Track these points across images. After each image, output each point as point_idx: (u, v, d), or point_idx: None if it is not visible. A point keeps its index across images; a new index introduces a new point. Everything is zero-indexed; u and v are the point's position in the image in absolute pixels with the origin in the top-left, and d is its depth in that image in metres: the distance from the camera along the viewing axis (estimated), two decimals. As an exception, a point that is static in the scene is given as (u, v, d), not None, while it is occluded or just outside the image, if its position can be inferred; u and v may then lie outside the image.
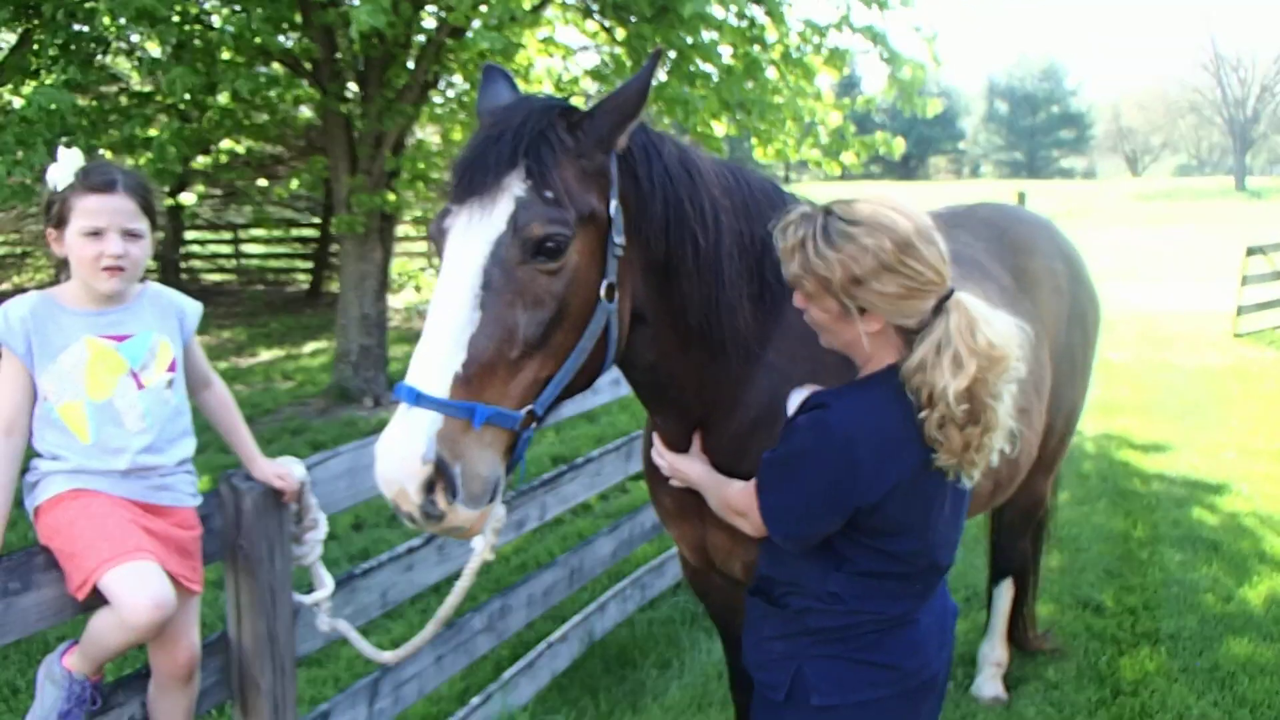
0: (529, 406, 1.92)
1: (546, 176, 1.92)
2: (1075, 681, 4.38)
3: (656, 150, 2.16)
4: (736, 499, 2.23)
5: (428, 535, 3.32)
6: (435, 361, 1.84)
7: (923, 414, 1.93)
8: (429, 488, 1.79)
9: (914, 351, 1.95)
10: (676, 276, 2.20)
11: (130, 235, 2.45)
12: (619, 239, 2.03)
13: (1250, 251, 14.67)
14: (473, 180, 1.92)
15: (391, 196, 9.46)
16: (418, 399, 1.80)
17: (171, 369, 2.59)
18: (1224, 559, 5.78)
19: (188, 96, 8.03)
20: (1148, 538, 6.14)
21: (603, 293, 2.00)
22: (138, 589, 2.28)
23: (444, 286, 1.90)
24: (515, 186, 1.91)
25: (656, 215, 2.13)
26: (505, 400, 1.88)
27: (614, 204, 2.03)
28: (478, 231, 1.90)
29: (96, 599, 2.33)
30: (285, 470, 2.70)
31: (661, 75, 8.88)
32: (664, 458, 2.48)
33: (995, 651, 4.30)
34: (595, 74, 10.42)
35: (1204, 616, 5.00)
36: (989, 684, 4.26)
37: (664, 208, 2.14)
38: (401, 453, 1.79)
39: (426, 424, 1.79)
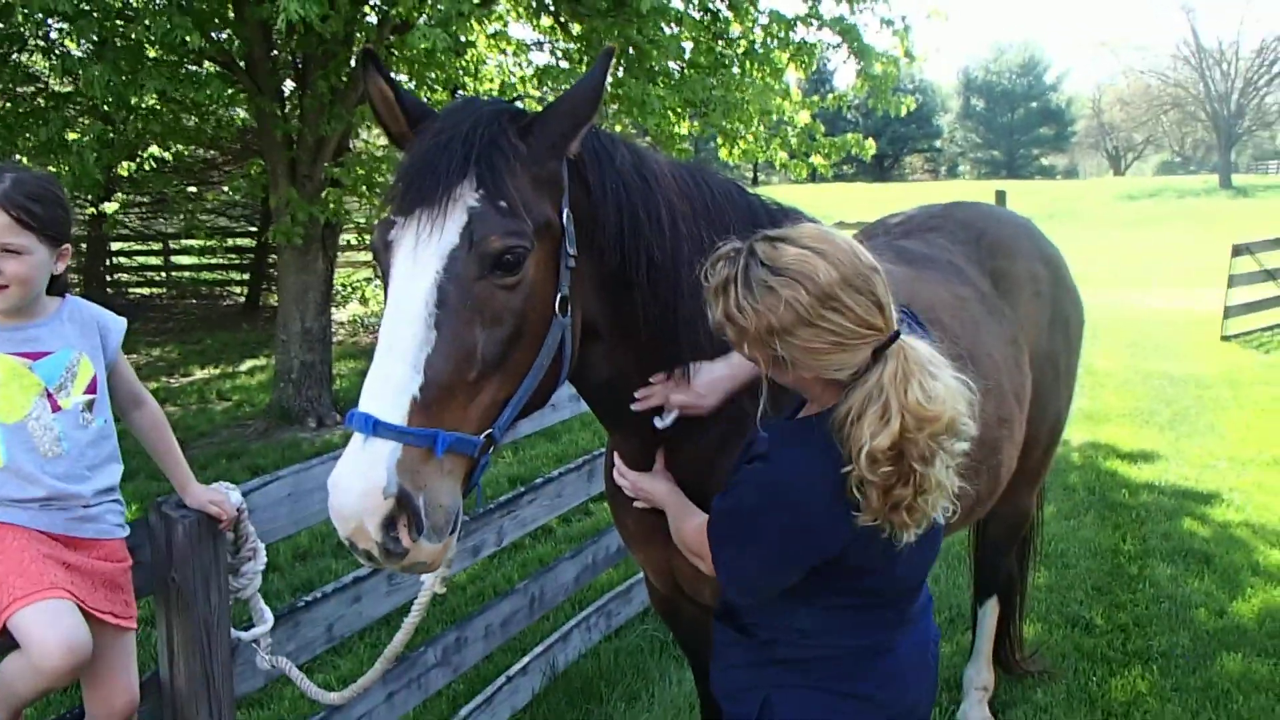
0: (488, 430, 1.92)
1: (500, 185, 1.91)
2: (1065, 704, 4.43)
3: (609, 155, 2.16)
4: (692, 539, 2.23)
5: (376, 564, 3.29)
6: (391, 386, 1.82)
7: (845, 469, 1.88)
8: (390, 523, 1.77)
9: (844, 400, 1.90)
10: (631, 288, 2.21)
11: (4, 251, 2.38)
12: (572, 250, 2.04)
13: (1236, 251, 14.97)
14: (421, 190, 1.91)
15: (331, 204, 9.40)
16: (375, 427, 1.77)
17: (92, 390, 2.54)
18: (1216, 572, 5.87)
19: (110, 98, 7.92)
20: (1137, 552, 6.23)
21: (557, 307, 2.01)
22: (47, 630, 2.23)
23: (395, 305, 1.88)
24: (468, 196, 1.90)
25: (609, 224, 2.14)
26: (465, 425, 1.87)
27: (566, 213, 2.03)
28: (429, 245, 1.88)
29: (12, 640, 2.29)
30: (220, 497, 2.67)
31: (620, 73, 8.92)
32: (626, 477, 2.48)
33: (981, 675, 4.33)
34: (547, 73, 10.42)
35: (1196, 633, 5.08)
36: (975, 709, 4.29)
37: (617, 216, 2.14)
38: (361, 487, 1.76)
39: (386, 454, 1.77)
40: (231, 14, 8.88)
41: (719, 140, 10.58)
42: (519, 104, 2.18)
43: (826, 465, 1.91)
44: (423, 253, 1.88)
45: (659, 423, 2.33)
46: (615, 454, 2.57)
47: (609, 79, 2.04)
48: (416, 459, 1.79)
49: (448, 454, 1.83)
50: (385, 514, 1.76)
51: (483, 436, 1.90)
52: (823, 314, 1.85)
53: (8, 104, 9.53)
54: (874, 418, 1.84)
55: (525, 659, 4.43)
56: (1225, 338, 14.22)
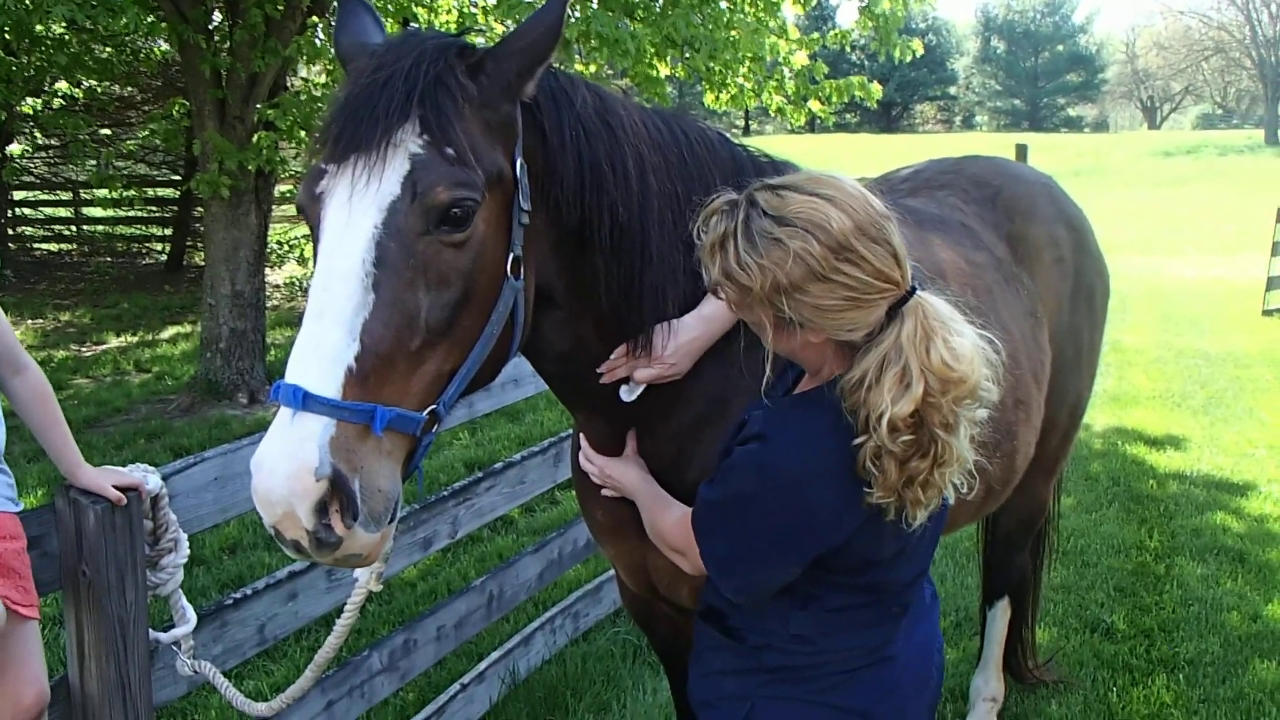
0: (431, 406, 1.92)
1: (447, 130, 1.91)
2: (1082, 716, 4.49)
3: (568, 98, 2.16)
4: (672, 534, 2.24)
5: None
6: (323, 354, 1.81)
7: (858, 440, 1.89)
8: (322, 509, 1.76)
9: (856, 364, 1.91)
10: (591, 250, 2.21)
11: None
12: (526, 205, 2.04)
13: (1282, 215, 15.05)
14: (356, 134, 1.90)
15: (264, 150, 9.32)
16: (305, 400, 1.76)
17: None
18: (1250, 572, 5.95)
19: (10, 24, 7.81)
20: (1164, 549, 6.31)
21: (509, 268, 2.01)
22: None
23: (328, 263, 1.87)
24: (410, 142, 1.89)
25: (568, 177, 2.14)
26: (406, 399, 1.87)
27: (519, 163, 2.03)
28: (366, 196, 1.87)
29: None
30: (118, 478, 2.60)
31: (593, 6, 8.86)
32: (593, 462, 2.49)
33: (990, 684, 4.38)
34: (511, 5, 10.33)
35: (1228, 639, 5.15)
36: (982, 722, 4.35)
37: (577, 168, 2.14)
38: (289, 467, 1.75)
39: (318, 431, 1.76)
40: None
41: (704, 85, 10.54)
42: (476, 39, 2.15)
43: (835, 440, 1.93)
44: (359, 204, 1.87)
45: (625, 394, 2.34)
46: (582, 436, 2.58)
47: (577, 11, 2.03)
48: (352, 437, 1.79)
49: (387, 432, 1.82)
50: (317, 498, 1.75)
51: (426, 413, 1.90)
52: (837, 266, 1.85)
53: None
54: (893, 381, 1.85)
55: (482, 665, 4.45)
56: (1267, 312, 14.32)
